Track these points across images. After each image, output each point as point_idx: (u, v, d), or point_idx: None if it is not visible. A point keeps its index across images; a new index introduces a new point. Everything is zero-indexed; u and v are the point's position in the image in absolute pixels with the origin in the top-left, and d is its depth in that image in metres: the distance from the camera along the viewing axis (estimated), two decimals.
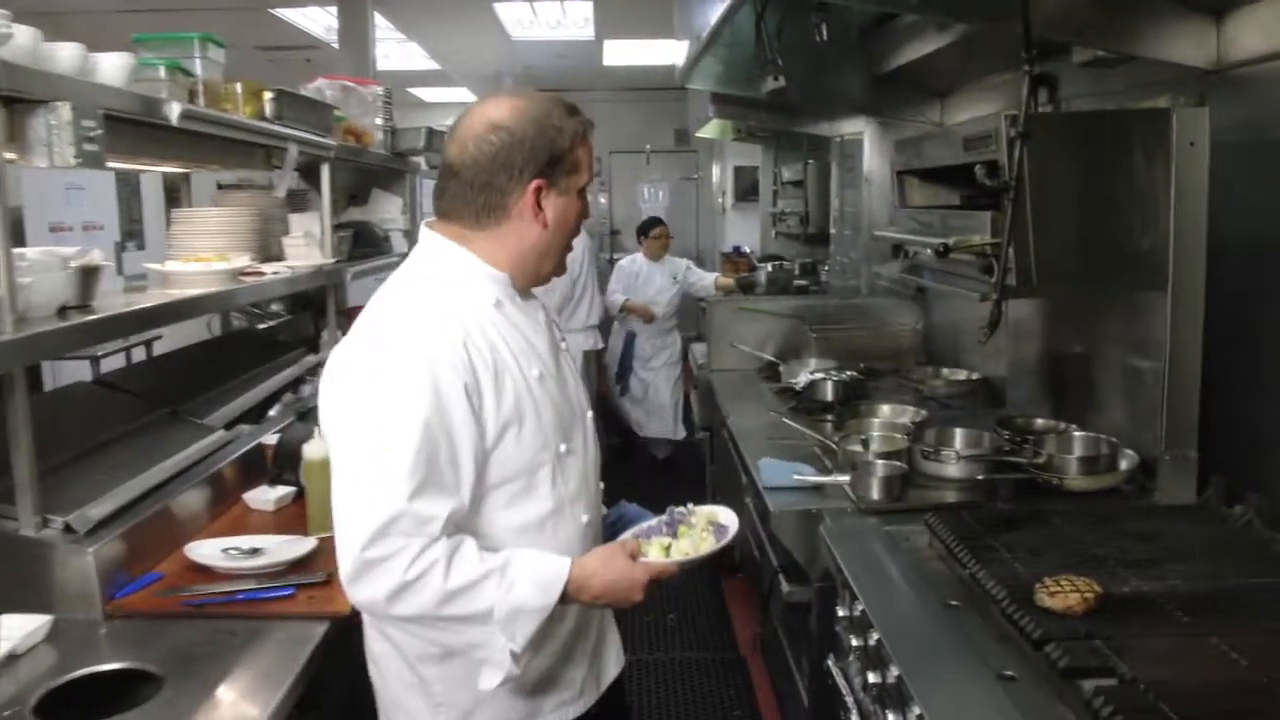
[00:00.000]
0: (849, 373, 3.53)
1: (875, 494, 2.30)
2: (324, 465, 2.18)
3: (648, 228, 6.59)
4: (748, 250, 7.64)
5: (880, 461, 2.39)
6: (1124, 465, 2.36)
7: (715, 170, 10.05)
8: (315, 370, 3.57)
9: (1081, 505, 2.22)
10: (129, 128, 2.17)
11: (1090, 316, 2.63)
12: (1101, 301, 2.52)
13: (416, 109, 8.91)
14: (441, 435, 1.39)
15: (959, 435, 2.60)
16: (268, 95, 2.87)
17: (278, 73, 3.91)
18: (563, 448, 1.56)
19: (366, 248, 4.29)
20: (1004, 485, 2.34)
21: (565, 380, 1.63)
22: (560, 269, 1.63)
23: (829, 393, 3.35)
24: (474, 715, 1.55)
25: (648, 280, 6.43)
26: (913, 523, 2.17)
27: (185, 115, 2.21)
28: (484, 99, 1.59)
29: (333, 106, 3.44)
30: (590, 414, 1.71)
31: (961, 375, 3.51)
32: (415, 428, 1.37)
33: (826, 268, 5.61)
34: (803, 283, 5.67)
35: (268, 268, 3.16)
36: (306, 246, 3.52)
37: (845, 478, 2.37)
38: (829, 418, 3.16)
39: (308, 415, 2.40)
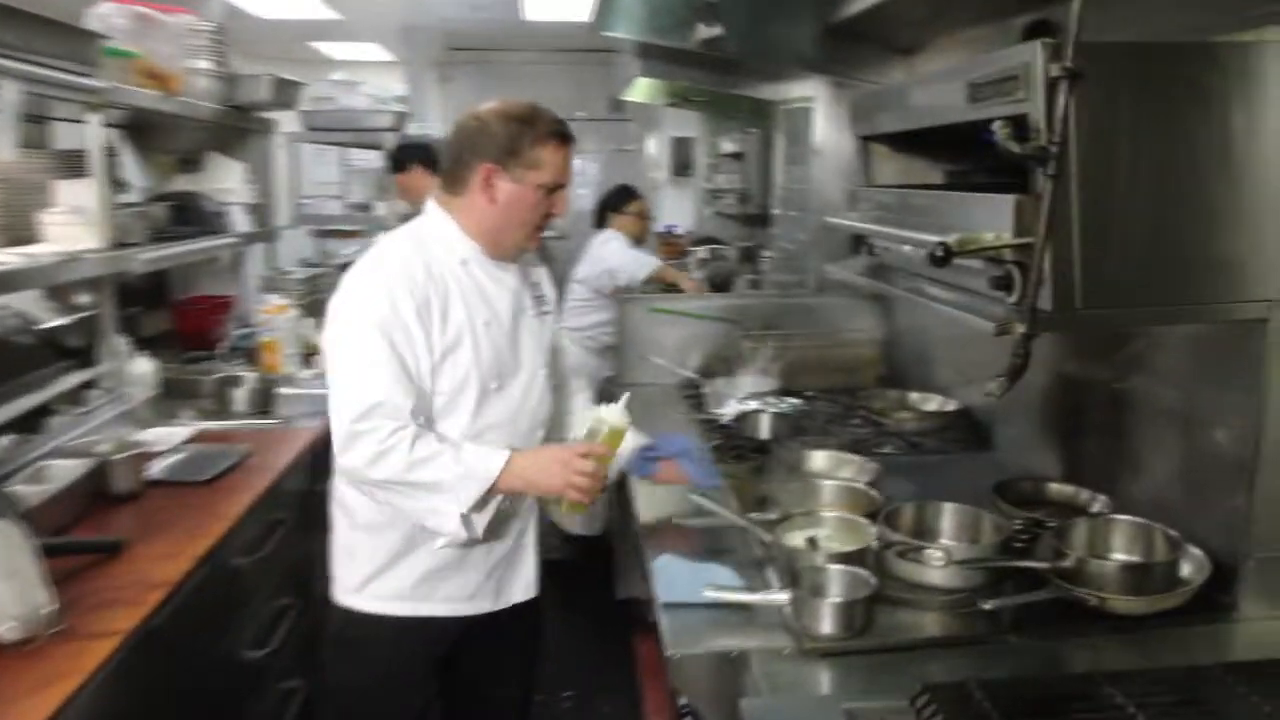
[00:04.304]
0: (790, 401, 2.72)
1: (827, 626, 1.50)
2: None
3: (619, 201, 4.54)
4: (681, 231, 6.80)
5: (835, 570, 1.59)
6: (1188, 572, 1.62)
7: (652, 142, 9.19)
8: (79, 395, 2.64)
9: (1142, 650, 1.47)
10: None
11: (1128, 335, 1.88)
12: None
13: (321, 65, 7.91)
14: (401, 340, 1.72)
15: (948, 517, 1.82)
16: None
17: None
18: (493, 385, 1.83)
19: (191, 225, 3.39)
20: (1014, 610, 1.58)
21: (518, 338, 1.89)
22: (523, 245, 1.87)
23: (764, 428, 2.55)
24: (376, 580, 1.86)
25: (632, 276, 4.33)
26: (883, 686, 1.39)
27: None
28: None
29: (100, 35, 2.52)
30: (543, 373, 1.94)
31: (934, 404, 2.72)
32: (375, 332, 1.70)
33: (768, 254, 4.80)
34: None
35: None
36: (72, 226, 2.63)
37: (783, 596, 1.57)
38: (762, 466, 2.34)
39: None
